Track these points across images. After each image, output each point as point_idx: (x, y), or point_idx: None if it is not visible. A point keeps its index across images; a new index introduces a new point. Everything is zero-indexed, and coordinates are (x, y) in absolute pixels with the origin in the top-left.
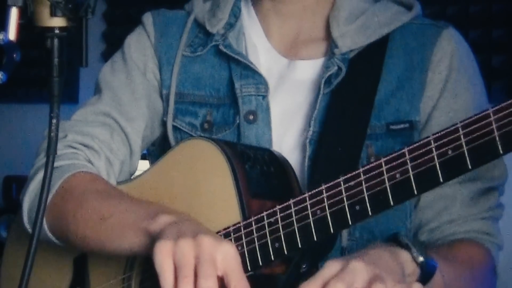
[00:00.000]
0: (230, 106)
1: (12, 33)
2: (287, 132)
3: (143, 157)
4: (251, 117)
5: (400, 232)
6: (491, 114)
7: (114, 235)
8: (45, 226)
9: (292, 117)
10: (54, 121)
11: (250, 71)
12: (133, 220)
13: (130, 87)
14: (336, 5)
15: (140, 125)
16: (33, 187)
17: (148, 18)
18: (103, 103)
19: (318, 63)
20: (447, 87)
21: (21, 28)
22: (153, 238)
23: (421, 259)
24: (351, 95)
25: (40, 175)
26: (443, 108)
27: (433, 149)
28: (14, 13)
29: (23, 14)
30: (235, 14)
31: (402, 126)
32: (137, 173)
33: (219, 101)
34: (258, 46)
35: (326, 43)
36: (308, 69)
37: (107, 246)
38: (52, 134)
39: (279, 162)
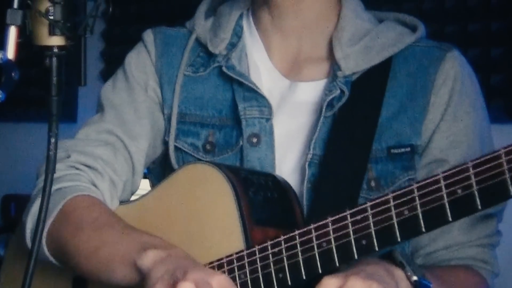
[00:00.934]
0: (233, 127)
1: (10, 52)
2: (287, 154)
3: (144, 176)
4: (254, 140)
5: (395, 249)
6: (503, 155)
7: (104, 267)
8: (45, 247)
9: (292, 139)
10: (52, 140)
11: (253, 93)
12: (122, 253)
13: (133, 105)
14: (340, 25)
15: (144, 144)
16: (36, 208)
17: (148, 36)
18: (106, 121)
19: (320, 84)
20: (448, 111)
21: (19, 47)
22: (142, 274)
23: (415, 278)
24: (354, 119)
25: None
26: (443, 132)
27: (443, 187)
28: (12, 32)
29: (21, 33)
30: (237, 33)
31: (403, 150)
32: (138, 192)
33: (222, 122)
34: (260, 66)
35: (328, 64)
36: (310, 91)
37: (99, 277)
38: (50, 153)
39: (283, 188)
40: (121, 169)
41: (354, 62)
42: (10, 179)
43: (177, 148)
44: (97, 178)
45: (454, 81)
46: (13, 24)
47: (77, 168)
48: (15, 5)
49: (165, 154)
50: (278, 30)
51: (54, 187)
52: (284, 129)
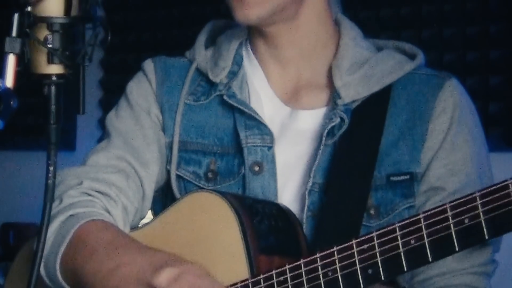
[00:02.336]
0: (235, 156)
1: (9, 80)
2: (287, 182)
3: None
4: (256, 168)
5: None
6: (510, 186)
7: None
8: (59, 275)
9: (293, 167)
10: (51, 168)
11: (254, 121)
12: (136, 272)
13: (140, 132)
14: (339, 53)
15: (154, 170)
16: (50, 235)
17: (149, 65)
18: (116, 147)
19: (320, 113)
20: (447, 139)
21: (18, 75)
22: None
23: None
24: (355, 147)
25: (55, 224)
26: (442, 160)
27: (450, 217)
28: (11, 60)
29: (20, 61)
30: (238, 61)
31: (402, 177)
32: (144, 220)
33: (223, 150)
34: (261, 93)
35: (328, 92)
36: (310, 119)
37: None
38: (49, 181)
39: (287, 216)
40: (133, 196)
41: (354, 90)
42: (9, 208)
43: (178, 177)
44: (111, 204)
45: (453, 110)
46: (11, 52)
47: (90, 195)
48: (14, 33)
49: (167, 182)
50: (275, 59)
51: (67, 213)
52: (284, 157)
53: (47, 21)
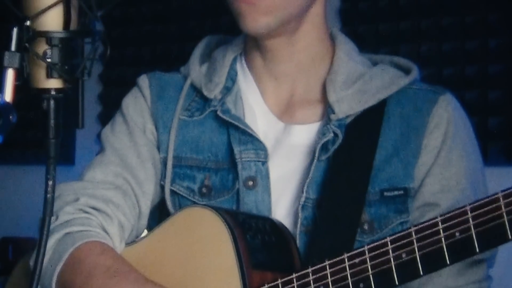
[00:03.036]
0: (229, 171)
1: (8, 95)
2: (281, 197)
3: None
4: (250, 183)
5: None
6: (501, 198)
7: None
8: None
9: (286, 182)
10: (50, 182)
11: (249, 136)
12: None
13: (135, 149)
14: (333, 68)
15: (150, 188)
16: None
17: (144, 81)
18: (112, 164)
19: (313, 127)
20: (441, 154)
21: (17, 89)
22: None
23: None
24: (348, 162)
25: (51, 241)
26: (436, 175)
27: (441, 230)
28: (10, 75)
29: (19, 75)
30: (232, 77)
31: (396, 193)
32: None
33: (218, 166)
34: (256, 109)
35: (322, 107)
36: (304, 134)
37: None
38: (48, 195)
39: (280, 232)
40: (130, 213)
41: (347, 105)
42: (8, 222)
43: (173, 192)
44: (107, 222)
45: (447, 125)
46: (10, 67)
47: (86, 212)
48: (13, 47)
49: (162, 198)
50: (271, 73)
51: (63, 231)
52: (278, 172)
53: (46, 36)
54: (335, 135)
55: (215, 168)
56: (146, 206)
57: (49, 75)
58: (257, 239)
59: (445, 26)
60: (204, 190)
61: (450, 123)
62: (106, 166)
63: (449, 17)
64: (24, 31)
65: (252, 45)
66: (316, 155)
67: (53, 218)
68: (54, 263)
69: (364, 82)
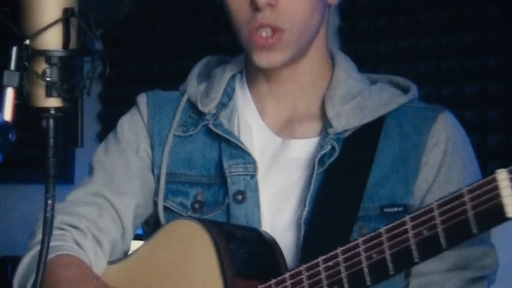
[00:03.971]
0: (220, 186)
1: (7, 114)
2: (280, 211)
3: (140, 238)
4: (239, 197)
5: None
6: (465, 193)
7: None
8: None
9: (285, 196)
10: (49, 201)
11: (239, 151)
12: None
13: (123, 166)
14: (332, 85)
15: (131, 202)
16: (22, 269)
17: (142, 99)
18: (94, 183)
19: (312, 142)
20: (441, 172)
21: (16, 108)
22: None
23: None
24: (344, 176)
25: (26, 259)
26: (435, 193)
27: (409, 228)
28: (9, 94)
29: (18, 94)
30: (228, 94)
31: (396, 209)
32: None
33: (210, 181)
34: (252, 125)
35: (320, 122)
36: (302, 148)
37: None
38: (47, 214)
39: (267, 242)
40: (107, 227)
41: (345, 120)
42: (7, 241)
43: (166, 208)
44: (80, 237)
45: (446, 143)
46: (10, 86)
47: (61, 229)
48: (12, 66)
49: (157, 215)
50: (273, 93)
51: (37, 248)
52: (276, 186)
53: (46, 55)
54: (333, 148)
55: (208, 183)
56: (128, 221)
57: (48, 94)
58: (242, 249)
59: (444, 45)
60: (196, 205)
61: (449, 140)
62: (88, 186)
63: (448, 36)
64: (23, 50)
65: (257, 69)
66: (315, 168)
67: (32, 236)
68: (26, 278)
69: (362, 98)
